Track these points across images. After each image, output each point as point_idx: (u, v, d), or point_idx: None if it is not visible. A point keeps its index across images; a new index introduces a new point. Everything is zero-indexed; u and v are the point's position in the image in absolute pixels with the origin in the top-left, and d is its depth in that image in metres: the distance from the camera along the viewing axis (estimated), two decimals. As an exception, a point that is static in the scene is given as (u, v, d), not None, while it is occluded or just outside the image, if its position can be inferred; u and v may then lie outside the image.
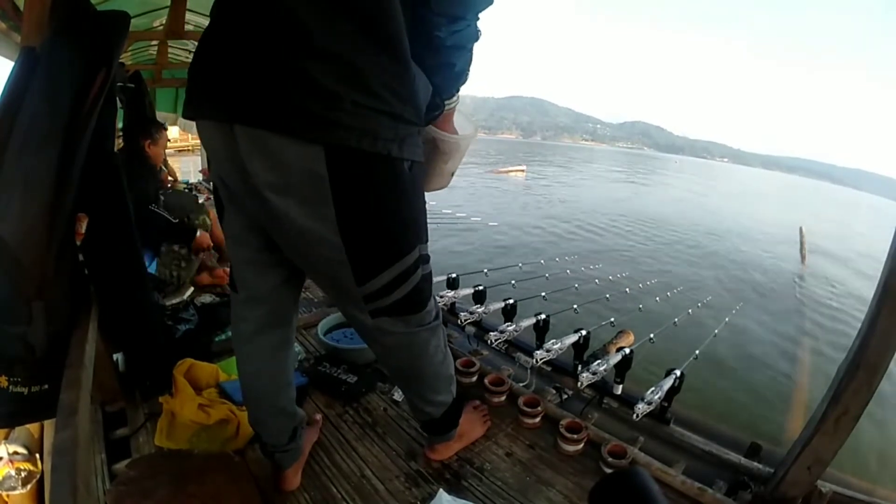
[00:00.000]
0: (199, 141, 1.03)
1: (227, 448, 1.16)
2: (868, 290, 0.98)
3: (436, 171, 0.97)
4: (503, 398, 1.43)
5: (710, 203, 20.89)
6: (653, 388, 1.45)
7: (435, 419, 1.06)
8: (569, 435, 1.22)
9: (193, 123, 0.74)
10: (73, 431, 0.68)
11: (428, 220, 0.85)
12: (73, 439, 0.66)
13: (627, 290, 3.80)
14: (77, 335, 0.97)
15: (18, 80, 0.92)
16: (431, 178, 0.97)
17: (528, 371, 1.76)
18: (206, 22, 0.73)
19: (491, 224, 9.63)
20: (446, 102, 0.84)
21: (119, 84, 2.39)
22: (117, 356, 1.36)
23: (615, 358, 1.57)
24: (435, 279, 0.99)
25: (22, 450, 1.04)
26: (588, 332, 1.72)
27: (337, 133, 0.63)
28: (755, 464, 1.28)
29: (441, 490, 1.02)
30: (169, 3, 2.10)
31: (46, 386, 0.96)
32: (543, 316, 1.82)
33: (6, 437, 1.07)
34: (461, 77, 0.81)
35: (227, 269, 0.93)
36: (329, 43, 0.60)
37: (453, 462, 1.17)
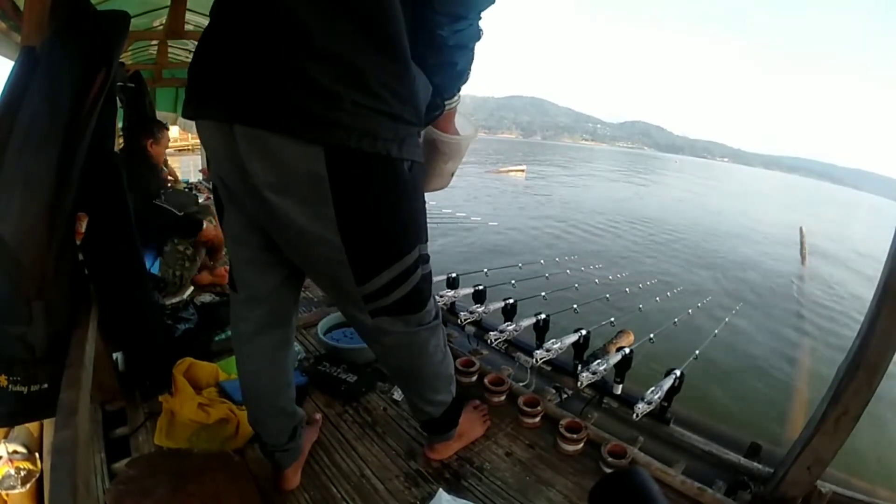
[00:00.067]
0: (198, 140, 1.03)
1: (226, 447, 1.16)
2: (868, 290, 0.98)
3: (436, 172, 0.97)
4: (503, 398, 1.43)
5: (710, 203, 20.90)
6: (653, 388, 1.45)
7: (435, 419, 1.06)
8: (569, 435, 1.22)
9: (193, 123, 0.74)
10: (72, 431, 0.68)
11: (428, 220, 0.85)
12: (73, 438, 0.66)
13: (627, 290, 3.81)
14: (77, 335, 0.98)
15: (18, 80, 0.92)
16: (432, 179, 0.97)
17: (528, 371, 1.76)
18: (206, 22, 0.73)
19: (490, 224, 9.63)
20: (447, 102, 0.84)
21: (119, 84, 2.39)
22: (117, 355, 1.36)
23: (615, 358, 1.57)
24: (435, 279, 0.99)
25: (21, 449, 1.04)
26: (588, 332, 1.72)
27: (337, 133, 0.63)
28: (755, 464, 1.29)
29: (441, 490, 1.02)
30: (169, 3, 2.10)
31: (46, 385, 0.96)
32: (543, 315, 1.82)
33: (6, 437, 1.07)
34: (463, 76, 0.81)
35: (227, 269, 0.93)
36: (329, 43, 0.60)
37: (453, 462, 1.17)
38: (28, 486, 1.01)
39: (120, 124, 2.54)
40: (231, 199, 0.82)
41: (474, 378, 1.53)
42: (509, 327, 1.82)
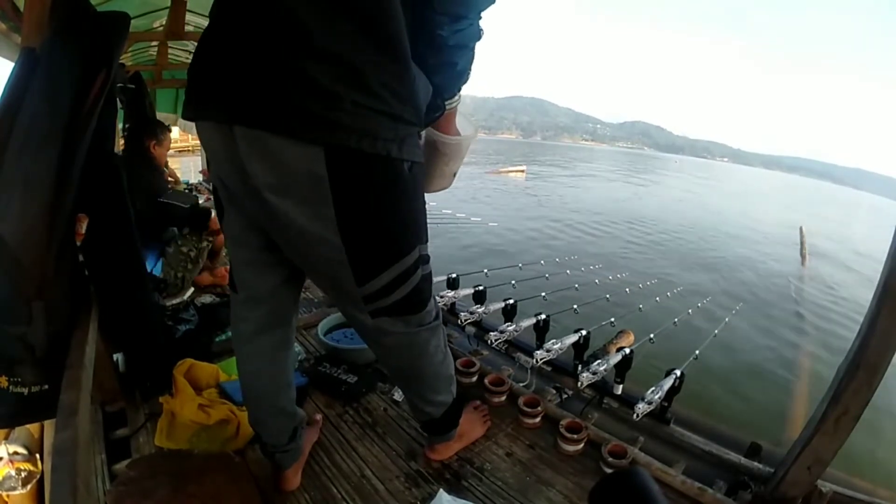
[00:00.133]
0: (199, 141, 1.03)
1: (227, 448, 1.16)
2: (868, 291, 0.98)
3: (437, 173, 0.97)
4: (503, 398, 1.43)
5: (710, 203, 20.87)
6: (653, 388, 1.45)
7: (435, 419, 1.06)
8: (569, 435, 1.22)
9: (193, 124, 0.74)
10: (73, 432, 0.68)
11: (427, 221, 0.85)
12: (73, 439, 0.66)
13: (627, 290, 3.80)
14: (77, 335, 0.98)
15: (18, 81, 0.92)
16: (433, 180, 0.97)
17: (528, 371, 1.76)
18: (205, 22, 0.73)
19: (490, 224, 9.62)
20: (447, 102, 0.84)
21: (119, 85, 2.40)
22: (117, 356, 1.36)
23: (615, 358, 1.57)
24: (435, 279, 0.99)
25: (22, 450, 1.04)
26: (588, 332, 1.72)
27: (336, 133, 0.63)
28: (755, 464, 1.28)
29: (441, 490, 1.02)
30: (169, 4, 2.10)
31: (46, 386, 0.96)
32: (543, 316, 1.82)
33: (6, 438, 1.07)
34: (463, 76, 0.81)
35: (228, 269, 0.94)
36: (329, 43, 0.60)
37: (453, 462, 1.17)
38: (29, 487, 1.01)
39: (120, 125, 2.55)
40: (231, 200, 0.82)
41: (474, 378, 1.53)
42: (509, 328, 1.82)
